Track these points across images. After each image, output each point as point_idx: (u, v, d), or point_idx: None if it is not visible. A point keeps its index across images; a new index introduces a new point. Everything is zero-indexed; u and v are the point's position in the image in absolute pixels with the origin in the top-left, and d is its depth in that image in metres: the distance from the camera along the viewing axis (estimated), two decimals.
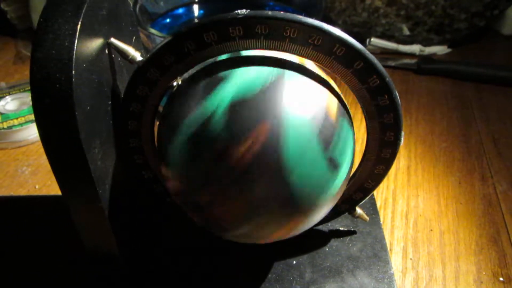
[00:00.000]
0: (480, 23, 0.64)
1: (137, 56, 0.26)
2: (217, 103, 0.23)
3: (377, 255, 0.32)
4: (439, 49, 0.66)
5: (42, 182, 0.44)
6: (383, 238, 0.34)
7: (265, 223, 0.25)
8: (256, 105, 0.23)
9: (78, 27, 0.22)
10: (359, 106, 0.27)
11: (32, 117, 0.51)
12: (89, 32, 0.23)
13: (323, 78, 0.26)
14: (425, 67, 0.61)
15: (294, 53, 0.25)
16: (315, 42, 0.24)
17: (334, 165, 0.24)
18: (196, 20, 0.61)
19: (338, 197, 0.27)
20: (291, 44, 0.24)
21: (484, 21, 0.64)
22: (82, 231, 0.27)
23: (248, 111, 0.23)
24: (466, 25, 0.64)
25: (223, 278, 0.31)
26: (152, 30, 0.46)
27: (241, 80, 0.24)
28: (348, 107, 0.27)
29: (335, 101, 0.25)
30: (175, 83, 0.27)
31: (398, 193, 0.42)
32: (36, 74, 0.21)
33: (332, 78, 0.27)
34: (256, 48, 0.24)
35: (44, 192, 0.43)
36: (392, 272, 0.31)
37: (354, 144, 0.27)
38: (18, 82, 0.57)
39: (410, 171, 0.44)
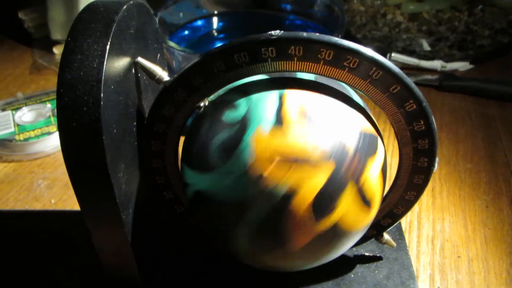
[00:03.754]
0: (504, 40, 0.63)
1: (164, 76, 0.25)
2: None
3: (404, 283, 0.31)
4: (461, 65, 0.64)
5: (58, 196, 0.44)
6: (410, 265, 0.32)
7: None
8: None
9: (107, 47, 0.21)
10: (391, 130, 0.26)
11: (48, 129, 0.50)
12: (117, 52, 0.22)
13: (359, 104, 0.25)
14: (447, 83, 0.59)
15: (329, 76, 0.24)
16: (351, 65, 0.23)
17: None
18: (215, 33, 0.61)
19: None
20: (325, 67, 0.23)
21: (508, 37, 0.63)
22: (102, 253, 0.26)
23: None
24: (489, 41, 0.63)
25: None
26: (171, 44, 0.45)
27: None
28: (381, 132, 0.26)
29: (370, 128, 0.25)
30: (202, 104, 0.26)
31: (423, 216, 0.40)
32: (63, 96, 0.20)
33: (364, 100, 0.27)
34: (289, 70, 0.24)
35: (60, 206, 0.43)
36: None
37: (385, 171, 0.26)
38: (35, 93, 0.56)
39: (435, 193, 0.43)
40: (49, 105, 0.53)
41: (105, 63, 0.21)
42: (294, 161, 0.22)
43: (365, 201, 0.24)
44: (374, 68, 0.23)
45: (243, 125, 0.23)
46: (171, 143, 0.26)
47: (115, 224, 0.24)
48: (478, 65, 0.66)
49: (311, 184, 0.22)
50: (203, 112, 0.25)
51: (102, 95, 0.20)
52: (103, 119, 0.20)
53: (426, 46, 0.64)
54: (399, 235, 0.35)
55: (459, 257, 0.36)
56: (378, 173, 0.25)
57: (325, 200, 0.23)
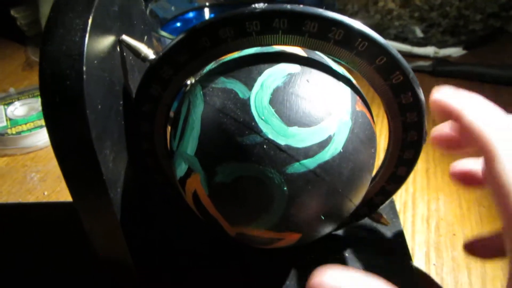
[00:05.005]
0: (496, 24, 0.63)
1: (150, 54, 0.25)
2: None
3: (399, 261, 0.31)
4: (454, 51, 0.64)
5: (51, 188, 0.43)
6: (404, 242, 0.32)
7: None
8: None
9: (89, 21, 0.21)
10: (380, 105, 0.26)
11: (41, 122, 0.50)
12: (100, 28, 0.22)
13: (344, 75, 0.25)
14: (440, 69, 0.59)
15: (314, 49, 0.23)
16: (336, 37, 0.23)
17: None
18: None
19: None
20: (310, 39, 0.23)
21: (499, 22, 0.63)
22: (93, 237, 0.25)
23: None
24: (481, 26, 0.63)
25: (238, 285, 0.30)
26: (163, 33, 0.45)
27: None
28: (369, 104, 0.26)
29: (355, 97, 0.24)
30: (188, 82, 0.26)
31: (417, 197, 0.40)
32: (45, 70, 0.20)
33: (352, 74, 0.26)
34: (274, 43, 0.23)
35: (53, 198, 0.42)
36: (417, 278, 0.30)
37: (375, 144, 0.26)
38: (27, 88, 0.56)
39: (429, 174, 0.43)
40: None
41: (86, 37, 0.20)
42: None
43: None
44: (360, 39, 0.23)
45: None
46: (159, 123, 0.26)
47: (103, 204, 0.23)
48: (471, 50, 0.66)
49: None
50: (189, 90, 0.25)
51: (84, 68, 0.20)
52: (87, 93, 0.20)
53: (419, 33, 0.64)
54: (393, 215, 0.35)
55: (454, 235, 0.36)
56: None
57: None
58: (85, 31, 0.20)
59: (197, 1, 0.62)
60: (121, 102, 0.25)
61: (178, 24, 0.57)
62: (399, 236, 0.33)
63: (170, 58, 0.24)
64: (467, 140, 0.23)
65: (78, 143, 0.21)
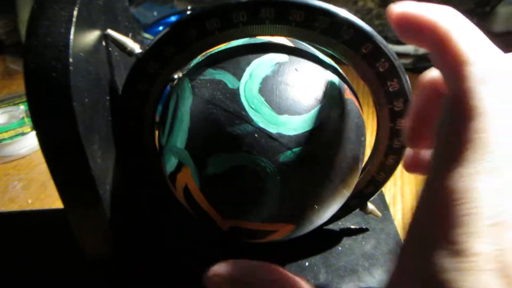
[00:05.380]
0: (472, 21, 0.64)
1: (136, 48, 0.24)
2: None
3: (392, 251, 0.31)
4: None
5: (34, 196, 0.42)
6: (396, 233, 0.32)
7: None
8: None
9: (75, 13, 0.20)
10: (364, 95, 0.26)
11: (22, 130, 0.49)
12: (86, 21, 0.22)
13: (331, 64, 0.25)
14: (421, 66, 0.60)
15: (301, 38, 0.23)
16: (323, 26, 0.23)
17: None
18: None
19: None
20: (297, 29, 0.23)
21: (476, 18, 0.64)
22: (81, 236, 0.25)
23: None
24: None
25: None
26: (146, 35, 0.45)
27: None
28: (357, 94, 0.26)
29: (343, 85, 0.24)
30: (176, 76, 0.25)
31: (406, 190, 0.40)
32: (30, 63, 0.19)
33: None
34: (261, 34, 0.23)
35: (37, 206, 0.42)
36: None
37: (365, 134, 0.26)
38: (7, 96, 0.55)
39: None
40: (22, 107, 0.52)
41: (72, 28, 0.20)
42: None
43: None
44: (345, 27, 0.23)
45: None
46: (147, 119, 0.26)
47: (91, 201, 0.23)
48: None
49: None
50: (176, 85, 0.25)
51: (71, 60, 0.19)
52: (74, 85, 0.20)
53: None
54: (384, 207, 0.35)
55: None
56: None
57: None
58: (70, 23, 0.20)
59: (177, 6, 0.62)
60: (108, 98, 0.25)
61: (161, 28, 0.57)
62: (391, 227, 0.33)
63: (157, 52, 0.23)
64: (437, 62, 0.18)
65: (65, 137, 0.20)
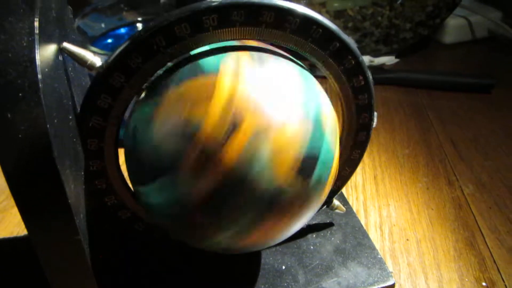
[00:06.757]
0: (424, 32, 0.66)
1: (97, 61, 0.22)
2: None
3: (361, 243, 0.32)
4: (387, 60, 0.66)
5: None
6: (361, 226, 0.33)
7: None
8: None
9: (36, 24, 0.18)
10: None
11: None
12: (44, 34, 0.19)
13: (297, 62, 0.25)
14: (376, 76, 0.60)
15: (272, 40, 0.23)
16: (292, 26, 0.23)
17: None
18: None
19: None
20: (268, 30, 0.23)
21: (427, 29, 0.66)
22: (53, 274, 0.21)
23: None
24: (411, 34, 0.65)
25: None
26: (94, 48, 0.42)
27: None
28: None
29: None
30: (143, 86, 0.23)
31: (368, 204, 0.40)
32: None
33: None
34: (233, 38, 0.23)
35: None
36: (380, 256, 0.30)
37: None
38: None
39: (377, 181, 0.43)
40: None
41: (36, 41, 0.18)
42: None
43: None
44: (314, 27, 0.23)
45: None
46: (110, 139, 0.24)
47: (67, 231, 0.20)
48: (403, 58, 0.69)
49: None
50: (142, 98, 0.23)
51: (39, 76, 0.17)
52: (45, 105, 0.17)
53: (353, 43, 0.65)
54: (343, 201, 0.35)
55: (407, 240, 0.36)
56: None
57: None
58: (32, 35, 0.18)
59: (126, 18, 0.60)
60: (71, 117, 0.22)
61: (110, 40, 0.54)
62: (355, 220, 0.34)
63: (121, 63, 0.22)
64: None
65: (38, 165, 0.18)
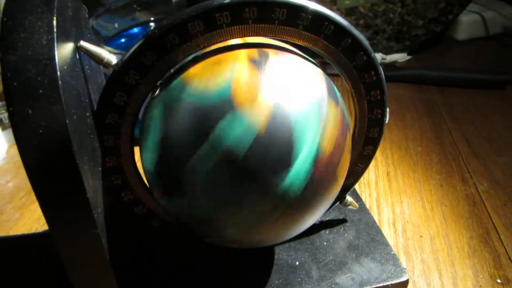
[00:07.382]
0: (437, 29, 0.65)
1: (113, 59, 0.23)
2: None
3: (374, 239, 0.32)
4: (400, 57, 0.66)
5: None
6: (374, 222, 0.33)
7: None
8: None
9: (54, 23, 0.18)
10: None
11: None
12: (62, 32, 0.20)
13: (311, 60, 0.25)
14: (388, 74, 0.60)
15: (283, 36, 0.23)
16: (305, 22, 0.23)
17: None
18: None
19: None
20: (280, 27, 0.23)
21: (440, 26, 0.65)
22: (72, 267, 0.22)
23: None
24: (423, 31, 0.65)
25: None
26: (108, 48, 0.43)
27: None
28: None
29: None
30: (158, 83, 0.24)
31: (382, 201, 0.40)
32: (11, 81, 0.17)
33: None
34: (245, 35, 0.23)
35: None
36: (394, 252, 0.30)
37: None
38: None
39: (390, 178, 0.43)
40: None
41: (55, 39, 0.18)
42: None
43: None
44: (326, 23, 0.23)
45: None
46: (125, 135, 0.24)
47: (86, 226, 0.20)
48: (415, 55, 0.68)
49: None
50: (157, 95, 0.23)
51: (58, 73, 0.18)
52: (64, 101, 0.18)
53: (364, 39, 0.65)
54: (356, 198, 0.35)
55: (421, 236, 0.36)
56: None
57: None
58: (51, 33, 0.18)
59: (139, 18, 0.60)
60: (88, 114, 0.23)
61: (123, 40, 0.55)
62: (368, 217, 0.34)
63: (136, 61, 0.22)
64: None
65: (58, 159, 0.18)
